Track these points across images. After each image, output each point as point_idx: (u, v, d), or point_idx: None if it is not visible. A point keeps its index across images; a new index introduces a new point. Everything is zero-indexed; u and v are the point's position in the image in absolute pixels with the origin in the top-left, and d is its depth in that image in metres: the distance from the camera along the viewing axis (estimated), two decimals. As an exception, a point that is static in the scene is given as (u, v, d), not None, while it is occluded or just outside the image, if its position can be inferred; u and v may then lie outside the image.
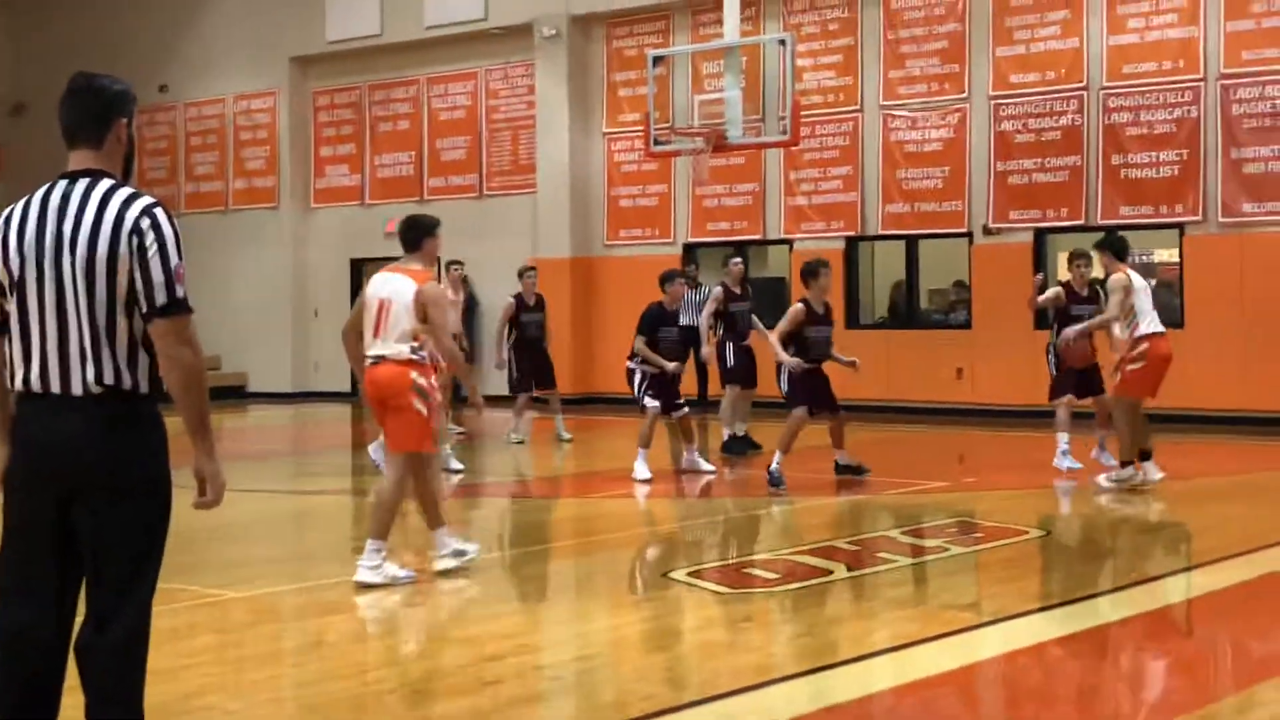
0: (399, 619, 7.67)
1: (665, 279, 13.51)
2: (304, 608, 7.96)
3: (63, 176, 4.17)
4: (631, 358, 13.26)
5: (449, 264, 15.92)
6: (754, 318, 15.26)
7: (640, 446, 12.87)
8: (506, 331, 16.15)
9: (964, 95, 19.12)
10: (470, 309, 23.18)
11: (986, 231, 18.92)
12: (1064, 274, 19.02)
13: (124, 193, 4.12)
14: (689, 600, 7.88)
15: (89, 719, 4.07)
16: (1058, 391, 12.93)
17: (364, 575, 7.97)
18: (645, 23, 21.79)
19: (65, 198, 4.10)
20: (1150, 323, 11.49)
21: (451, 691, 6.00)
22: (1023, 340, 17.43)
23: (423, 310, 8.05)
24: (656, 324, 13.24)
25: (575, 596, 8.46)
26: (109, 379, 4.06)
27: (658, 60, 18.23)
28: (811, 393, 12.24)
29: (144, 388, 4.13)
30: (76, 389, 4.06)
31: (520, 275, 16.54)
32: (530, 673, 6.33)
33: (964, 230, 19.15)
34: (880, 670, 6.37)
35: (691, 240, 21.32)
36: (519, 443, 16.10)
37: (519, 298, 16.13)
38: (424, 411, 8.02)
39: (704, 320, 15.20)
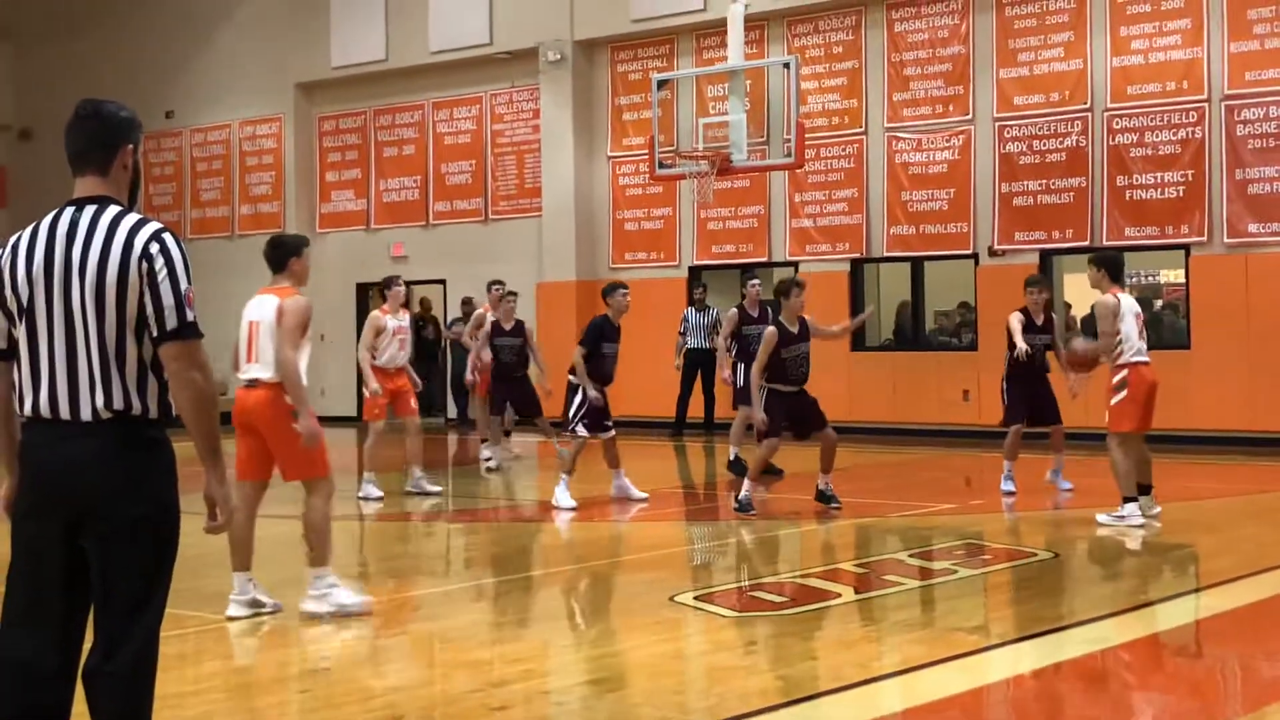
0: (406, 644, 7.65)
1: (607, 291, 13.17)
2: (311, 633, 7.94)
3: (70, 203, 4.18)
4: (572, 372, 12.85)
5: (490, 284, 15.84)
6: None
7: (564, 473, 12.61)
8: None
9: (968, 117, 19.15)
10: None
11: (991, 253, 18.93)
12: (1070, 295, 19.16)
13: (132, 218, 4.14)
14: (696, 624, 7.86)
15: None
16: (1011, 418, 12.95)
17: (310, 605, 7.85)
18: (649, 46, 21.85)
19: (73, 224, 4.12)
20: (1135, 351, 10.94)
21: (459, 717, 5.98)
22: (1029, 361, 17.39)
23: (278, 317, 7.92)
24: (599, 337, 12.83)
25: (583, 620, 8.44)
26: (118, 404, 4.07)
27: (662, 84, 18.29)
28: (794, 417, 11.99)
29: (153, 412, 4.14)
30: (86, 415, 4.06)
31: (500, 298, 15.79)
32: (538, 698, 6.31)
33: (969, 252, 19.16)
34: (888, 694, 6.35)
35: (697, 263, 21.33)
36: (494, 469, 15.64)
37: (495, 322, 15.37)
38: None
39: (721, 343, 15.15)
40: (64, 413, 4.07)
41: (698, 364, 19.46)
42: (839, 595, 8.55)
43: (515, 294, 15.85)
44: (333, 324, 24.10)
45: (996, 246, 18.88)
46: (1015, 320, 12.88)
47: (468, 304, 23.16)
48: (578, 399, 12.71)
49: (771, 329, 11.95)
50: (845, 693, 6.26)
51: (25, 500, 4.13)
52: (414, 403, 13.75)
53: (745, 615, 8.11)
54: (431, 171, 23.98)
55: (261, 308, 8.12)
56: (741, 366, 14.78)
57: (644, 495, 13.02)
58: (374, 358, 13.45)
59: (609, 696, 6.35)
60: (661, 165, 17.81)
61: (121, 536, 4.04)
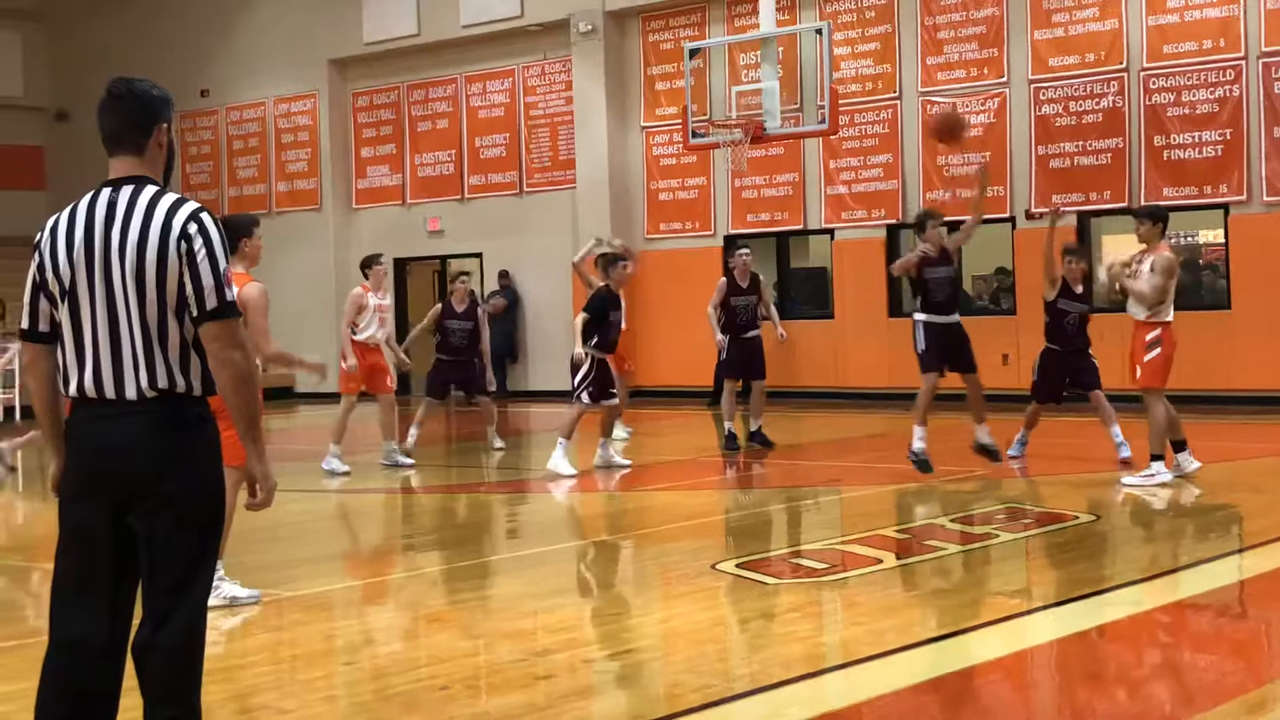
0: (449, 616, 7.71)
1: (609, 263, 13.22)
2: (355, 606, 8.03)
3: (106, 184, 4.19)
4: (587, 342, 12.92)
5: (458, 275, 15.43)
6: (770, 308, 14.98)
7: (562, 438, 12.77)
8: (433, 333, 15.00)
9: (1003, 80, 19.03)
10: (513, 307, 23.31)
11: (1029, 216, 18.82)
12: (1108, 256, 19.01)
13: (169, 198, 4.15)
14: (738, 591, 7.89)
15: (147, 719, 4.11)
16: (1034, 394, 12.71)
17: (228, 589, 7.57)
18: (681, 15, 21.78)
19: (111, 205, 4.13)
20: (1169, 311, 11.02)
21: (503, 687, 6.03)
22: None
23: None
24: (603, 307, 12.95)
25: (624, 589, 8.49)
26: (163, 383, 4.10)
27: (694, 53, 18.23)
28: (950, 350, 12.09)
29: (197, 390, 4.16)
30: (131, 394, 4.09)
31: (451, 279, 15.43)
32: (581, 666, 6.36)
33: (1006, 215, 19.06)
34: (931, 658, 6.36)
35: (732, 232, 21.30)
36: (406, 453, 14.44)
37: (447, 303, 14.79)
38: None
39: (711, 312, 14.69)
40: (109, 392, 4.09)
41: None
42: (880, 561, 8.56)
43: (468, 274, 15.63)
44: (370, 299, 24.13)
45: (1034, 209, 18.77)
46: (1050, 286, 12.60)
47: (504, 277, 23.25)
48: (584, 368, 12.87)
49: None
50: (888, 658, 6.27)
51: (73, 480, 4.16)
52: (390, 380, 14.07)
53: (787, 582, 8.13)
54: (466, 145, 24.01)
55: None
56: (727, 338, 14.62)
57: (627, 463, 13.25)
58: (354, 333, 13.80)
59: (652, 665, 6.40)
60: (695, 134, 17.77)
61: (168, 514, 4.07)
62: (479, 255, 23.94)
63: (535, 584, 8.51)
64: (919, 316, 12.18)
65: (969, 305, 19.94)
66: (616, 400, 13.24)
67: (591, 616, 7.57)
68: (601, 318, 12.93)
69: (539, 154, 23.26)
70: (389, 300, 14.09)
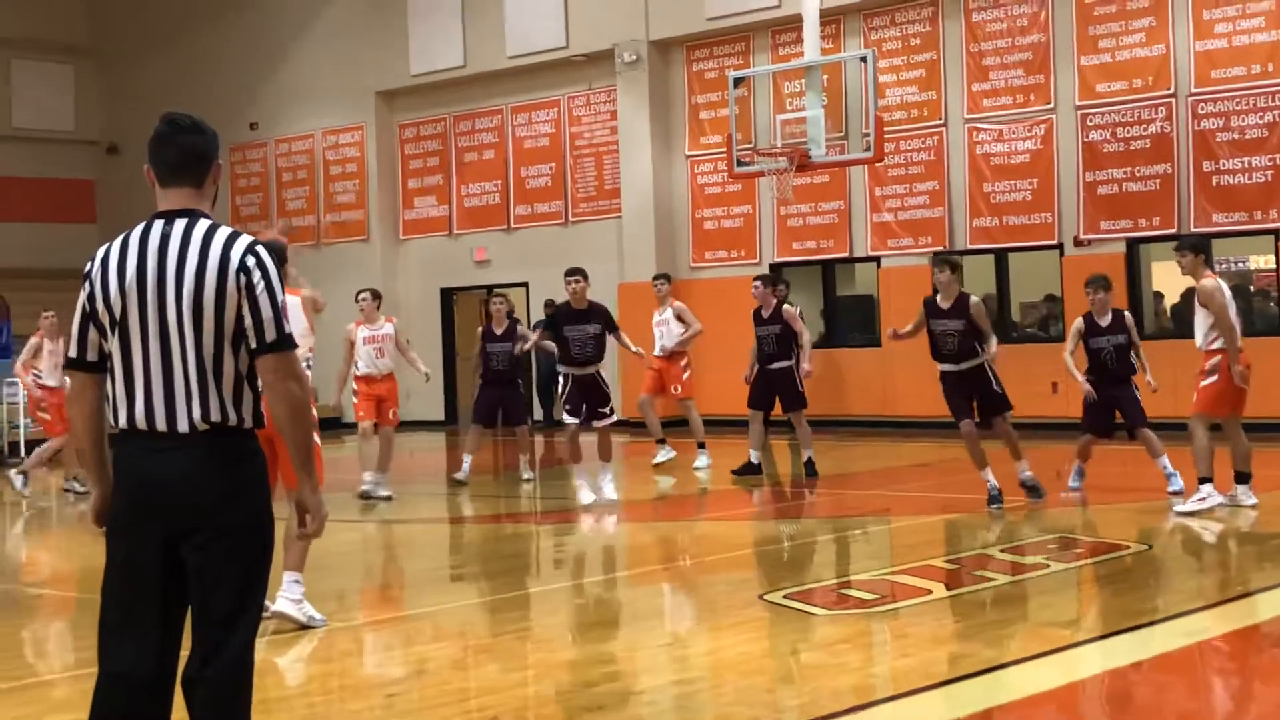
0: (497, 647, 7.71)
1: (569, 274, 13.25)
2: (404, 636, 8.03)
3: (158, 215, 4.20)
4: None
5: (493, 298, 15.69)
6: (801, 338, 14.91)
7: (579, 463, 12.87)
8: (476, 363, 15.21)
9: (1050, 106, 18.96)
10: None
11: (1077, 243, 18.73)
12: (1159, 284, 18.89)
13: (225, 231, 4.17)
14: (787, 622, 7.86)
15: None
16: (1082, 426, 12.53)
17: (284, 606, 7.84)
18: (725, 44, 21.83)
19: (164, 237, 4.14)
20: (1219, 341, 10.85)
21: (552, 718, 6.02)
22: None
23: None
24: (555, 322, 13.14)
25: (672, 620, 8.46)
26: (215, 416, 4.10)
27: (738, 81, 18.25)
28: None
29: (247, 423, 4.18)
30: (183, 426, 4.09)
31: (484, 303, 15.81)
32: (631, 697, 6.34)
33: (1054, 242, 18.96)
34: (981, 690, 6.31)
35: (777, 260, 21.28)
36: (461, 483, 15.07)
37: (488, 328, 15.07)
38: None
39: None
40: (160, 425, 4.09)
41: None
42: (930, 591, 8.50)
43: (504, 296, 15.76)
44: (416, 329, 24.29)
45: (1082, 236, 18.67)
46: (1074, 333, 12.44)
47: (549, 306, 23.28)
48: (559, 384, 13.06)
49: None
50: (938, 690, 6.23)
51: (122, 511, 4.15)
52: (393, 413, 14.09)
53: (836, 613, 8.09)
54: (511, 175, 24.13)
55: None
56: (756, 368, 14.73)
57: (614, 497, 12.95)
58: (356, 367, 14.06)
59: (701, 696, 6.37)
60: (740, 163, 17.78)
61: (219, 547, 4.08)
62: (525, 285, 24.01)
63: (583, 614, 8.51)
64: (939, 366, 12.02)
65: (1018, 332, 19.85)
66: (607, 423, 13.09)
67: (639, 647, 7.54)
68: (558, 332, 12.99)
69: (584, 183, 23.33)
70: (386, 329, 14.14)
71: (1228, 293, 11.11)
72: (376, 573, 10.18)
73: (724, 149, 18.87)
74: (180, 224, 4.16)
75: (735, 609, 8.10)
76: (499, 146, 24.32)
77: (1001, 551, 9.90)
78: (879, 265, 20.40)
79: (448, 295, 24.81)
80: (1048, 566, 9.22)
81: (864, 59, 17.14)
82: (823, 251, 20.95)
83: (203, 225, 4.17)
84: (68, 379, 4.41)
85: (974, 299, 11.94)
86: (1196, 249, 11.13)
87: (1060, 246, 18.94)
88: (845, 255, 20.77)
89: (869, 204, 20.43)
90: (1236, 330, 10.89)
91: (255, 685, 4.20)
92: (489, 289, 24.86)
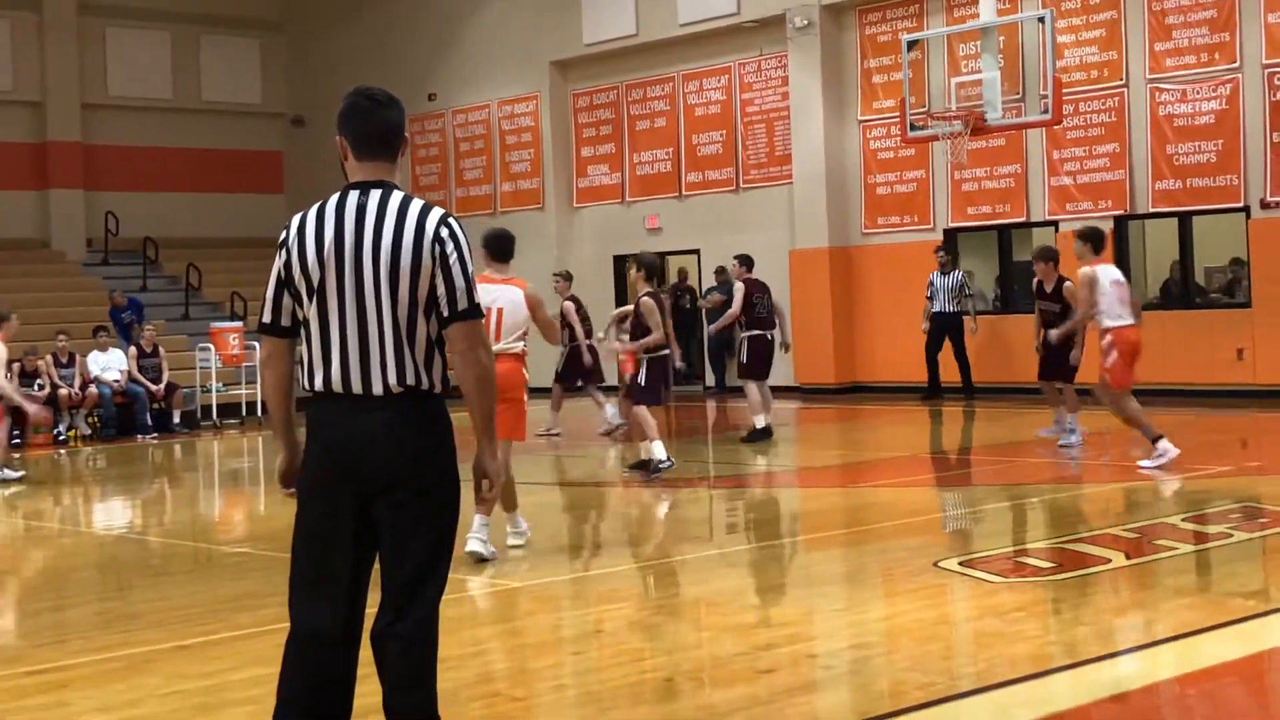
0: (671, 608, 7.83)
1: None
2: (581, 597, 8.21)
3: (352, 186, 4.30)
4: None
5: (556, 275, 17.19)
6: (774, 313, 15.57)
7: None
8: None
9: (1235, 65, 18.38)
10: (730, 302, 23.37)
11: (1264, 205, 18.15)
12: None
13: (419, 203, 4.29)
14: (961, 589, 7.84)
15: (386, 706, 4.24)
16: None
17: (475, 546, 8.69)
18: (898, 7, 21.57)
19: (360, 207, 4.25)
20: (1114, 316, 11.99)
21: (727, 680, 6.11)
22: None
23: (531, 310, 9.13)
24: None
25: (845, 585, 8.49)
26: (410, 379, 4.22)
27: (912, 45, 18.08)
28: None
29: (437, 388, 4.30)
30: (378, 389, 4.21)
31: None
32: (804, 661, 6.40)
33: (1240, 205, 18.42)
34: (1162, 660, 6.24)
35: (952, 225, 21.02)
36: (555, 434, 16.57)
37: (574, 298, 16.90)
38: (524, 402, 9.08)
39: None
40: (356, 388, 4.21)
41: (944, 327, 19.48)
42: (1109, 560, 8.40)
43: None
44: (589, 296, 24.52)
45: (1269, 198, 18.09)
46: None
47: (721, 273, 23.36)
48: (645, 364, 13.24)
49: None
50: (1117, 659, 6.17)
51: (315, 471, 4.27)
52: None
53: (1012, 581, 8.04)
54: (683, 143, 24.20)
55: (504, 295, 9.04)
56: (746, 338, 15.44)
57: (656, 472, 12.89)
58: None
59: (875, 661, 6.40)
60: (913, 127, 17.62)
61: (411, 506, 4.19)
62: (696, 252, 24.10)
63: (757, 578, 8.60)
64: None
65: (1203, 298, 19.34)
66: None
67: (814, 612, 7.59)
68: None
69: (755, 150, 23.30)
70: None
71: (1111, 276, 12.22)
72: (552, 534, 10.37)
73: (897, 113, 18.70)
74: (375, 194, 4.27)
75: (909, 575, 8.11)
76: (670, 114, 24.39)
77: (1183, 520, 9.72)
78: (1057, 229, 20.02)
79: (621, 262, 25.02)
80: (1231, 536, 9.03)
81: (1041, 19, 16.83)
82: (998, 216, 20.63)
83: (397, 196, 4.28)
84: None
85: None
86: (1083, 238, 12.43)
87: (1246, 209, 18.37)
88: (1022, 220, 20.43)
89: (1046, 167, 20.05)
90: (1086, 316, 12.39)
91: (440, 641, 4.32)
92: (661, 256, 25.06)
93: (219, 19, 29.24)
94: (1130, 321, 12.13)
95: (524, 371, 9.05)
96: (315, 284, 4.25)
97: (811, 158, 22.13)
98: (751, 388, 15.33)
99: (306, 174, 28.80)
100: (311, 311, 4.27)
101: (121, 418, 20.40)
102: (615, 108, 25.22)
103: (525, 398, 9.07)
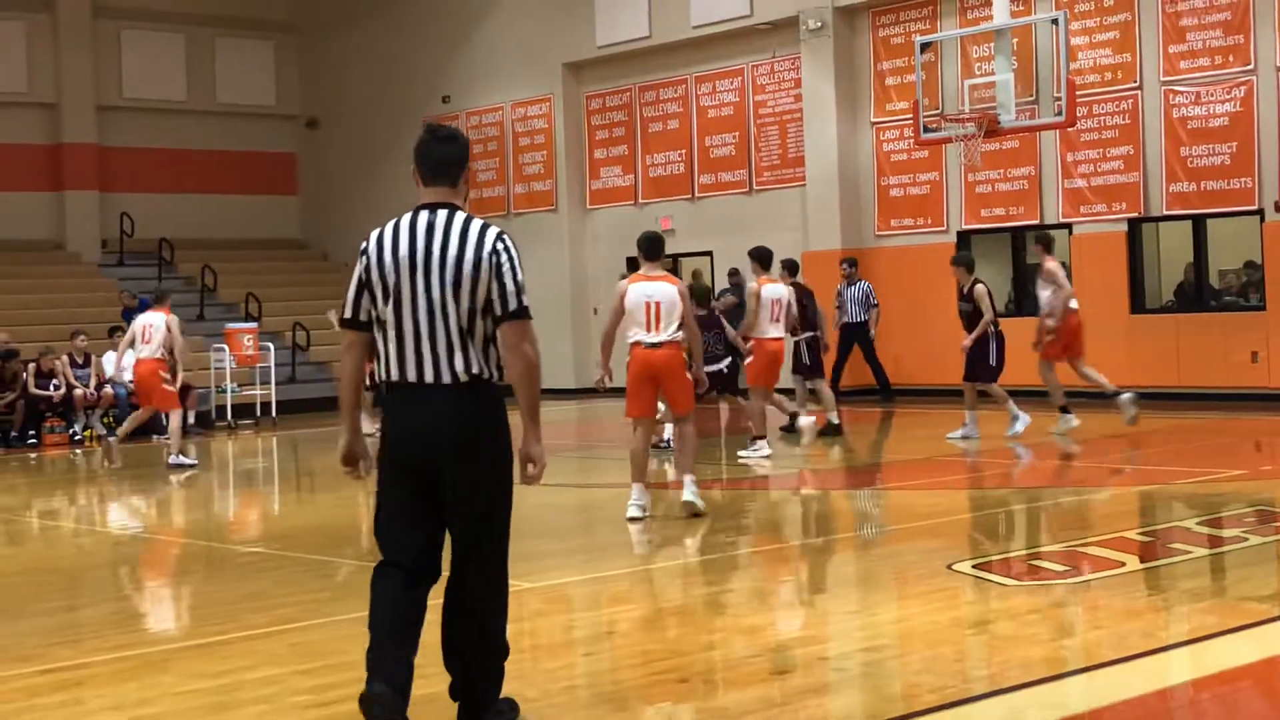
0: (685, 610, 7.83)
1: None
2: (594, 598, 8.21)
3: (423, 206, 5.11)
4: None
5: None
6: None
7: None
8: None
9: (1250, 67, 18.34)
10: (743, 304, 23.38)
11: (1278, 208, 18.10)
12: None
13: (478, 222, 5.11)
14: (975, 592, 7.83)
15: (454, 651, 5.10)
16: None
17: (690, 495, 10.34)
18: (911, 9, 21.56)
19: (430, 225, 5.05)
20: (759, 331, 13.94)
21: (740, 682, 6.11)
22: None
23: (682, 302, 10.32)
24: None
25: (859, 588, 8.48)
26: (475, 369, 5.01)
27: (925, 47, 18.06)
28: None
29: (495, 377, 5.05)
30: (446, 379, 4.99)
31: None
32: (817, 664, 6.40)
33: (1254, 208, 18.37)
34: (1176, 664, 6.22)
35: (965, 227, 21.00)
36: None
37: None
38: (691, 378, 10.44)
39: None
40: (428, 377, 4.99)
41: (854, 336, 20.65)
42: (1123, 564, 8.38)
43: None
44: (603, 296, 24.56)
45: (1282, 202, 18.05)
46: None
47: (734, 275, 23.35)
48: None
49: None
50: (1131, 662, 6.16)
51: (394, 449, 5.04)
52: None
53: (1026, 584, 8.03)
54: (696, 145, 24.21)
55: (660, 291, 10.33)
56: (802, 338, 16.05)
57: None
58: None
59: (889, 664, 6.40)
60: (927, 129, 17.60)
61: (475, 476, 4.99)
62: (709, 254, 24.10)
63: (770, 580, 8.59)
64: None
65: (1217, 301, 19.30)
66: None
67: (827, 614, 7.59)
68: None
69: (768, 152, 23.30)
70: None
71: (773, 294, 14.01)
72: (565, 535, 10.38)
73: (910, 115, 18.69)
74: (442, 214, 5.09)
75: (923, 578, 8.10)
76: (683, 116, 24.40)
77: (1198, 524, 9.69)
78: (1070, 232, 19.99)
79: (634, 265, 24.97)
80: (1246, 540, 9.01)
81: (1055, 21, 16.81)
82: (1012, 219, 20.60)
83: (460, 216, 5.11)
84: None
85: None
86: (750, 257, 14.17)
87: (1261, 212, 18.33)
88: (1035, 222, 20.38)
89: (1060, 170, 20.02)
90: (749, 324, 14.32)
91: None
92: (674, 258, 25.07)
93: (233, 21, 29.31)
94: (776, 336, 14.11)
95: (684, 356, 10.45)
96: (391, 288, 5.03)
97: (824, 160, 22.12)
98: (823, 386, 16.25)
99: (320, 175, 28.83)
100: (388, 313, 5.04)
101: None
102: (628, 109, 25.24)
103: (689, 377, 10.44)
